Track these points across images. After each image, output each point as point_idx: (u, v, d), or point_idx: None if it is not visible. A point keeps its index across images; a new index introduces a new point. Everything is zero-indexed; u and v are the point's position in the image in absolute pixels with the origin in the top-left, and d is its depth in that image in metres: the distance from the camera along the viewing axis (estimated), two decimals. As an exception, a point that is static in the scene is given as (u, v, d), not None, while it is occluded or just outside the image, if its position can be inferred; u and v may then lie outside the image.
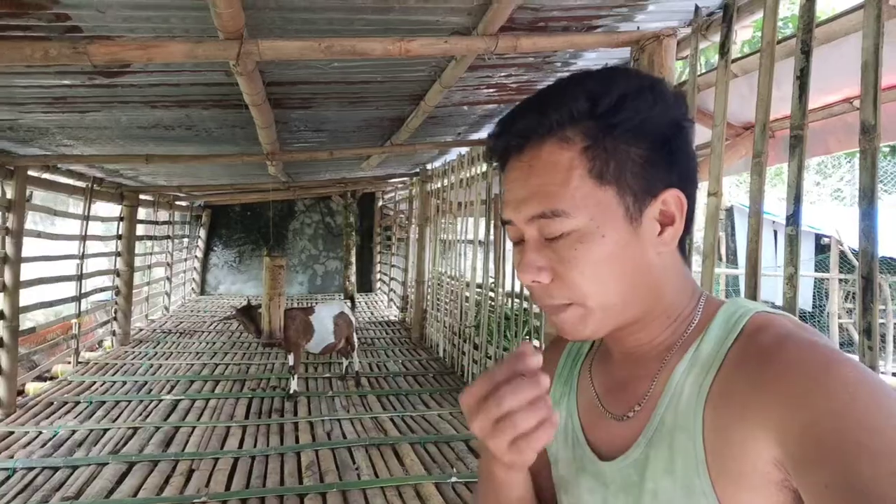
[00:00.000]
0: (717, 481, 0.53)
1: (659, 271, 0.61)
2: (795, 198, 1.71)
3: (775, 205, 9.28)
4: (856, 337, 8.68)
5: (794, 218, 1.71)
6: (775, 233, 9.94)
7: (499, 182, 3.72)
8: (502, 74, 3.46)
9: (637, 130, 0.58)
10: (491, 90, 3.83)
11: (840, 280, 8.80)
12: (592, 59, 3.19)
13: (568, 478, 0.71)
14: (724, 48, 2.15)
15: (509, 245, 4.99)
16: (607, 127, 0.57)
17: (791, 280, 1.71)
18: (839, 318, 8.67)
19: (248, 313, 5.09)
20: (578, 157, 0.57)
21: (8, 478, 3.47)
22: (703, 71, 2.55)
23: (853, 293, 9.10)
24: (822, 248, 10.10)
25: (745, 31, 2.52)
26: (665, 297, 0.63)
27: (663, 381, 0.61)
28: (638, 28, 2.60)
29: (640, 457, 0.60)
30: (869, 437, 0.45)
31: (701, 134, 2.45)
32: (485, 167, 5.33)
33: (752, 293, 1.85)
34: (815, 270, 9.43)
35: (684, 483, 0.56)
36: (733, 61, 2.20)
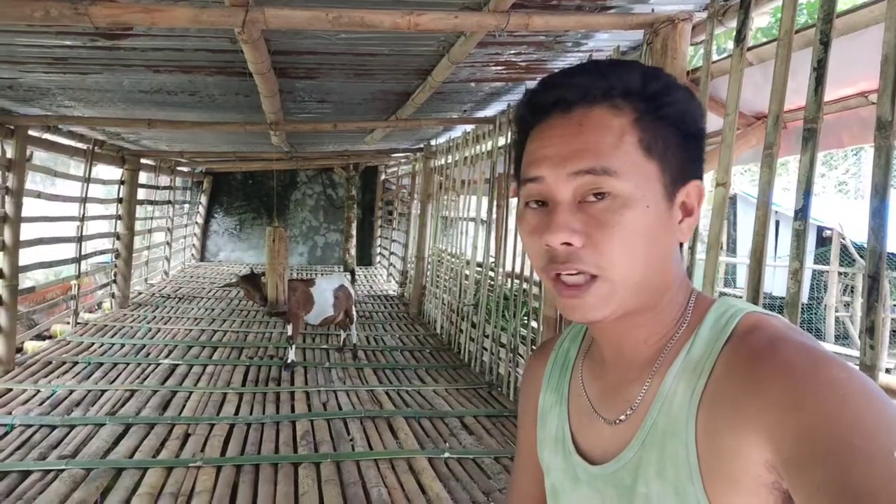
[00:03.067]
0: (710, 486, 0.53)
1: (673, 261, 0.62)
2: (805, 192, 1.69)
3: (779, 195, 9.24)
4: (851, 330, 8.72)
5: (803, 212, 1.69)
6: (777, 223, 9.91)
7: (506, 160, 3.65)
8: (512, 52, 3.41)
9: (679, 118, 0.60)
10: (499, 68, 3.77)
11: (839, 273, 8.80)
12: (604, 41, 3.13)
13: (560, 487, 0.70)
14: (740, 35, 2.10)
15: (511, 224, 4.98)
16: (656, 107, 0.59)
17: (796, 275, 1.70)
18: (836, 311, 8.70)
19: (251, 281, 5.08)
20: (630, 126, 0.58)
21: (6, 433, 3.51)
22: (717, 58, 2.50)
23: (851, 286, 9.11)
24: (823, 241, 10.08)
25: (762, 18, 2.46)
26: (670, 291, 0.62)
27: (656, 384, 0.61)
28: (652, 10, 2.55)
29: (632, 459, 0.60)
30: (861, 439, 0.45)
31: (712, 122, 2.41)
32: (489, 145, 5.28)
33: (756, 285, 1.84)
34: (815, 263, 9.42)
35: (676, 488, 0.56)
36: (749, 49, 2.16)
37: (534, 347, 4.35)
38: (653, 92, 0.59)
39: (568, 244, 0.57)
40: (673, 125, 0.60)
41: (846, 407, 0.47)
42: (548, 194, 0.59)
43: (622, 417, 0.63)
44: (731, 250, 11.14)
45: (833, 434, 0.46)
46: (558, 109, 0.60)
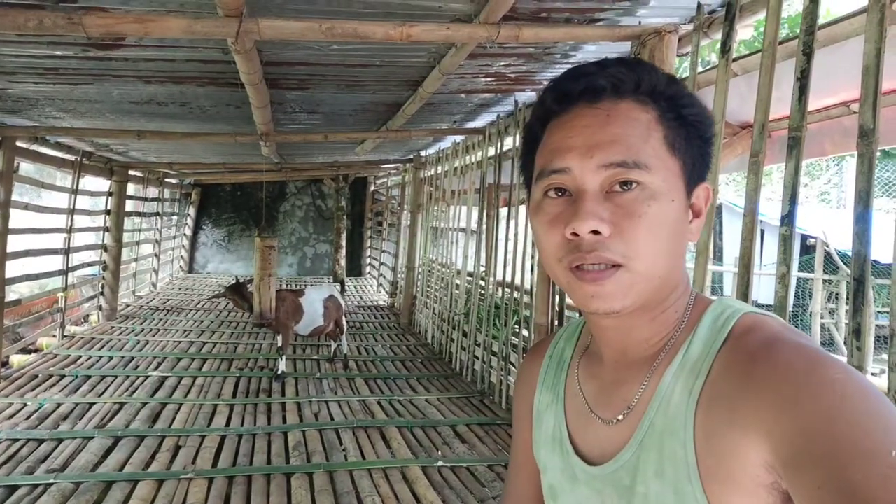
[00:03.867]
0: (708, 485, 0.54)
1: (683, 260, 0.63)
2: (791, 198, 1.73)
3: (763, 204, 9.36)
4: (836, 337, 8.84)
5: (788, 218, 1.73)
6: (762, 231, 10.04)
7: (496, 171, 3.67)
8: (501, 64, 3.45)
9: (698, 121, 0.62)
10: (489, 79, 3.81)
11: (823, 281, 8.92)
12: (592, 52, 3.18)
13: (558, 486, 0.70)
14: (725, 47, 2.16)
15: (501, 234, 5.01)
16: (679, 107, 0.61)
17: (783, 280, 1.74)
18: (821, 317, 8.81)
19: (238, 291, 5.07)
20: (656, 122, 0.59)
21: (-8, 449, 3.45)
22: (702, 70, 2.56)
23: (836, 294, 9.24)
24: (807, 249, 10.23)
25: (746, 31, 2.52)
26: (678, 290, 0.63)
27: (653, 384, 0.61)
28: (640, 23, 2.60)
29: (630, 459, 0.60)
30: (859, 438, 0.45)
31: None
32: (479, 156, 5.33)
33: (744, 292, 1.87)
34: (799, 270, 9.55)
35: (675, 487, 0.56)
36: (734, 60, 2.21)
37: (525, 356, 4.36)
38: (673, 93, 0.61)
39: (596, 233, 0.57)
40: (691, 127, 0.62)
41: (844, 407, 0.47)
42: (572, 184, 0.59)
43: (620, 417, 0.63)
44: (718, 258, 11.26)
45: (831, 434, 0.46)
46: (585, 99, 0.60)
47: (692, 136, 0.62)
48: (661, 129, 0.59)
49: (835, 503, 0.44)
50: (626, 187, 0.58)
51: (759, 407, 0.50)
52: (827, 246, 8.62)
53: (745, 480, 0.51)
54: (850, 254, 1.57)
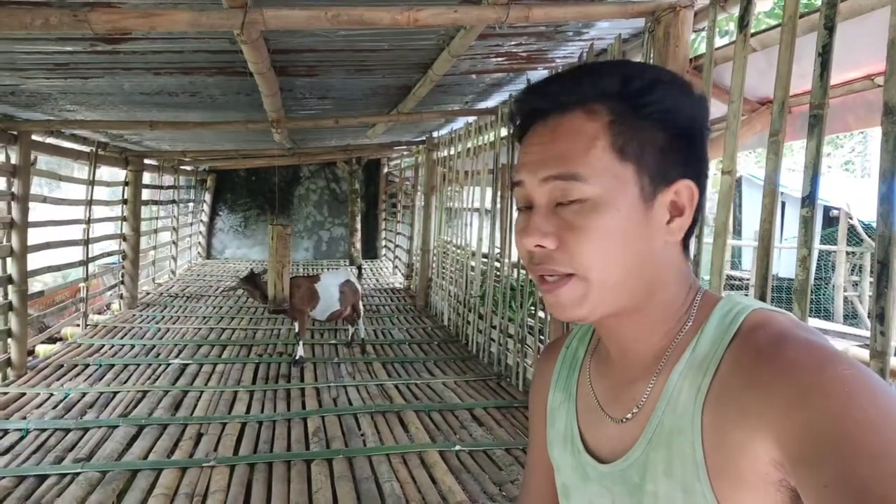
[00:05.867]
0: (717, 483, 0.54)
1: (661, 262, 0.61)
2: (812, 178, 1.67)
3: (784, 175, 9.16)
4: (860, 310, 8.69)
5: (810, 199, 1.68)
6: (783, 204, 9.86)
7: (509, 151, 3.65)
8: (512, 43, 3.39)
9: (662, 116, 0.59)
10: (500, 59, 3.75)
11: (847, 252, 8.75)
12: (605, 29, 3.10)
13: (571, 484, 0.71)
14: (743, 21, 2.08)
15: (515, 215, 4.96)
16: (635, 107, 0.59)
17: (804, 262, 1.69)
18: (844, 290, 8.66)
19: (252, 281, 5.12)
20: (603, 130, 0.58)
21: (22, 438, 3.54)
22: (720, 43, 2.48)
23: (860, 266, 9.07)
24: (830, 221, 10.02)
25: (765, 2, 2.43)
26: (661, 292, 0.62)
27: (661, 382, 0.61)
28: (654, -3, 2.52)
29: (640, 458, 0.61)
30: (868, 436, 0.45)
31: (716, 109, 2.39)
32: (492, 136, 5.27)
33: (764, 273, 1.83)
34: (822, 243, 9.36)
35: (684, 486, 0.56)
36: (752, 35, 2.14)
37: (542, 338, 4.35)
38: (633, 91, 0.59)
39: (541, 246, 0.59)
40: (656, 124, 0.59)
41: (852, 403, 0.46)
42: (528, 198, 0.62)
43: (628, 416, 0.63)
44: (737, 233, 11.10)
45: (839, 431, 0.46)
46: (538, 118, 0.62)
47: (655, 135, 0.59)
48: (609, 135, 0.58)
49: (842, 501, 0.44)
50: (571, 201, 0.58)
51: (767, 404, 0.50)
52: (850, 218, 8.44)
53: (753, 478, 0.51)
54: (874, 225, 1.52)
